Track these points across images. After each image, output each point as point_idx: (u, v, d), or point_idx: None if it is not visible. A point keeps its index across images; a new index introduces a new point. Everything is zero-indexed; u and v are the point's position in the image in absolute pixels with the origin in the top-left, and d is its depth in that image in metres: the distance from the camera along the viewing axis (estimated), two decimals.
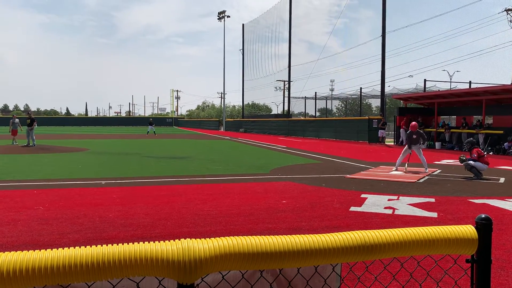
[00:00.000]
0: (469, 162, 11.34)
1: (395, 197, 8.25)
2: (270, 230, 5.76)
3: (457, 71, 47.64)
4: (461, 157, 11.99)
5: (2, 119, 77.66)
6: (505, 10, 34.62)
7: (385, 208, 7.26)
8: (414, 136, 12.77)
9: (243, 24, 65.84)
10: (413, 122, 13.50)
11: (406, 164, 12.61)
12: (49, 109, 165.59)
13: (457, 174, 11.99)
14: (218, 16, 65.36)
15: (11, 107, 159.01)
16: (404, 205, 7.49)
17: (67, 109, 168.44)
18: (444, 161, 16.15)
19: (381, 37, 31.24)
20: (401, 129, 26.50)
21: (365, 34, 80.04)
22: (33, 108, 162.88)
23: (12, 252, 1.24)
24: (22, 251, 1.25)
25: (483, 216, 1.64)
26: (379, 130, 29.27)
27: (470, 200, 8.12)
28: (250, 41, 64.26)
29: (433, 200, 8.04)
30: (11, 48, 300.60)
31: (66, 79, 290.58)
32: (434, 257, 2.01)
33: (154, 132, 43.15)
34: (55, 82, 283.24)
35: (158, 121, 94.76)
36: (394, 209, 7.18)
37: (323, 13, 56.85)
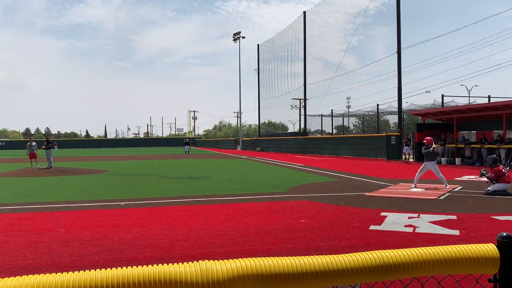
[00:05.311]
0: (488, 188, 11.03)
1: (416, 215, 8.11)
2: (289, 250, 5.72)
3: (476, 86, 46.77)
4: (482, 172, 11.68)
5: (24, 142, 79.53)
6: None
7: (406, 226, 7.14)
8: (429, 150, 12.55)
9: (258, 44, 66.54)
10: (428, 137, 13.25)
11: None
12: (69, 132, 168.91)
13: (479, 190, 11.74)
14: (233, 37, 66.19)
15: (32, 131, 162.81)
16: (425, 223, 7.36)
17: (86, 131, 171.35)
18: (465, 177, 15.85)
19: (396, 54, 31.22)
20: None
21: (380, 51, 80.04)
22: (53, 131, 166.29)
23: (35, 275, 1.27)
24: (45, 274, 1.27)
25: (504, 234, 1.61)
26: (404, 147, 28.74)
27: (493, 217, 7.93)
28: (266, 61, 64.78)
29: (454, 217, 7.88)
30: (33, 73, 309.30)
31: (85, 102, 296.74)
32: (455, 277, 1.97)
33: (187, 152, 42.87)
34: (75, 105, 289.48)
35: (176, 141, 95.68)
36: (414, 227, 7.05)
37: (338, 31, 57.06)
